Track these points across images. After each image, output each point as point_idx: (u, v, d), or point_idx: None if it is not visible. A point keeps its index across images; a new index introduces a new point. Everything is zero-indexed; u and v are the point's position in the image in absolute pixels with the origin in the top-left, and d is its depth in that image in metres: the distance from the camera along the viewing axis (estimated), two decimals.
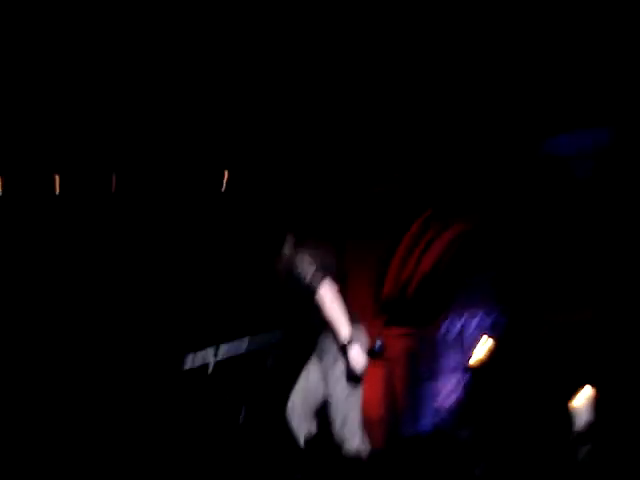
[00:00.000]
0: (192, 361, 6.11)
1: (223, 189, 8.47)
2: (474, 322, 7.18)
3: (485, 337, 6.87)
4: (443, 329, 7.32)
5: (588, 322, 6.50)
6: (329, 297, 5.13)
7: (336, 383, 5.25)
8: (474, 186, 7.45)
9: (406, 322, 7.31)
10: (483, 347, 6.67)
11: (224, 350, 6.32)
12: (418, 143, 7.83)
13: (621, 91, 7.11)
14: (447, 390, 7.18)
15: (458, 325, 7.24)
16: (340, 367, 5.19)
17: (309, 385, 5.49)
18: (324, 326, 5.20)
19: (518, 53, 7.51)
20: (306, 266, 5.20)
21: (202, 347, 6.29)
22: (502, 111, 7.48)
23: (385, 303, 7.41)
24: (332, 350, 5.24)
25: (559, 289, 6.81)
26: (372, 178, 7.82)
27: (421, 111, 7.80)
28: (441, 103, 7.77)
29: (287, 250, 5.44)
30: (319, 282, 5.14)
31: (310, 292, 5.14)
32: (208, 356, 6.19)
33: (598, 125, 7.01)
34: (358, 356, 5.09)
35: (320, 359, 5.40)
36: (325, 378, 5.32)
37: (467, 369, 6.90)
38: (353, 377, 5.13)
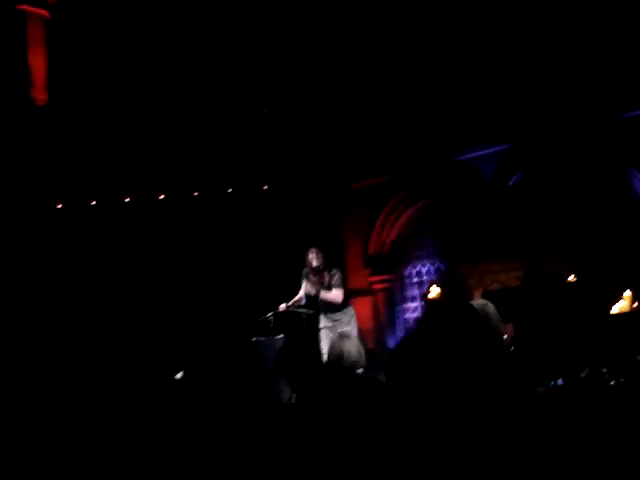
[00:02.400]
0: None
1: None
2: (425, 268, 11.25)
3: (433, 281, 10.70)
4: (406, 273, 11.43)
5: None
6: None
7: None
8: (431, 178, 11.06)
9: (384, 271, 11.42)
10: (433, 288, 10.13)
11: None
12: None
13: None
14: (410, 311, 11.31)
15: (414, 271, 11.33)
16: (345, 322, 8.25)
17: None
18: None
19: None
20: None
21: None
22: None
23: (369, 259, 11.51)
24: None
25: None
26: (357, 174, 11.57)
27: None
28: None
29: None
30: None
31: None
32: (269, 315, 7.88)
33: None
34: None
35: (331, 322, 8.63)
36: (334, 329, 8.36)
37: (423, 299, 10.80)
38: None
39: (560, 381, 6.14)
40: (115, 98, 10.70)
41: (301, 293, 8.11)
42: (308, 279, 8.03)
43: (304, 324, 8.15)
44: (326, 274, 7.89)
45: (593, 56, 9.46)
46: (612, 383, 6.02)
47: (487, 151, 10.48)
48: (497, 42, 10.28)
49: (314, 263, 7.89)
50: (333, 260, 8.28)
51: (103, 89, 10.64)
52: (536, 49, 9.93)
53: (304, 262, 8.04)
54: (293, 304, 8.03)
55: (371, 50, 11.21)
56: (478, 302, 4.42)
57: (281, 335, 8.18)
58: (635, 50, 9.14)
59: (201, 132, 11.11)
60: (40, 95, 10.01)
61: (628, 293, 6.94)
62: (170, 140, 11.05)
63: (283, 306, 7.96)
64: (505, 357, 4.19)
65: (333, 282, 7.89)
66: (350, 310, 8.02)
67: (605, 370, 6.30)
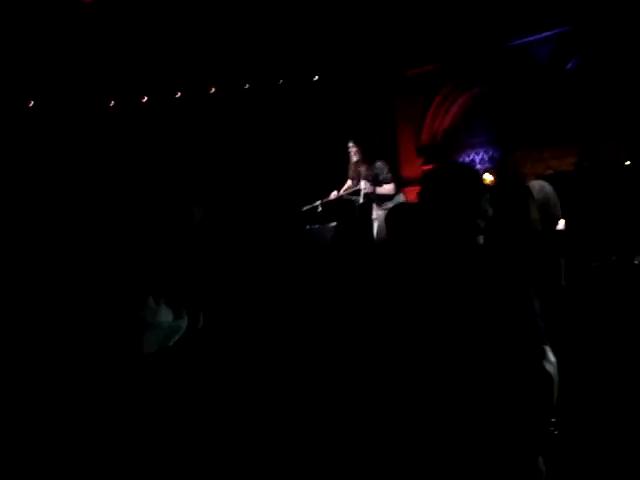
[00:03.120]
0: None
1: None
2: (479, 157, 11.13)
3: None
4: (460, 161, 11.31)
5: None
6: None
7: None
8: (484, 65, 10.85)
9: (437, 160, 11.32)
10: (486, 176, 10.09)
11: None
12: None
13: None
14: None
15: (468, 159, 11.22)
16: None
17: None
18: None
19: None
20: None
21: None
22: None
23: (422, 148, 11.42)
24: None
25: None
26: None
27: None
28: None
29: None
30: None
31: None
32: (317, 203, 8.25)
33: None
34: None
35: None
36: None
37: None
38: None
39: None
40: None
41: (349, 182, 8.18)
42: (354, 173, 8.08)
43: (357, 211, 8.24)
44: (373, 167, 7.89)
45: None
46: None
47: (543, 35, 10.17)
48: None
49: (353, 158, 7.93)
50: (380, 151, 8.24)
51: None
52: None
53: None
54: (345, 191, 8.09)
55: None
56: (537, 183, 4.39)
57: (334, 223, 8.28)
58: None
59: (251, 23, 10.85)
60: None
61: None
62: (220, 32, 10.86)
63: (335, 193, 8.04)
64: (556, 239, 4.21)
65: (382, 177, 7.91)
66: (400, 197, 8.07)
67: None
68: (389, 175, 7.93)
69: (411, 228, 3.14)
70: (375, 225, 8.10)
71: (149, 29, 10.38)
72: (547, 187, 4.32)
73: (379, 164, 7.96)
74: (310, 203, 8.25)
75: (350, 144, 7.99)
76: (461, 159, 11.34)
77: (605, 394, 3.34)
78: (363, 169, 7.99)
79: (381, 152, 8.07)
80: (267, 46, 10.96)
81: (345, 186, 8.20)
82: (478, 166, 11.06)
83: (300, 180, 10.15)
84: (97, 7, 9.96)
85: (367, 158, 7.96)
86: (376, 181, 7.93)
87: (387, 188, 7.90)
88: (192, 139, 10.72)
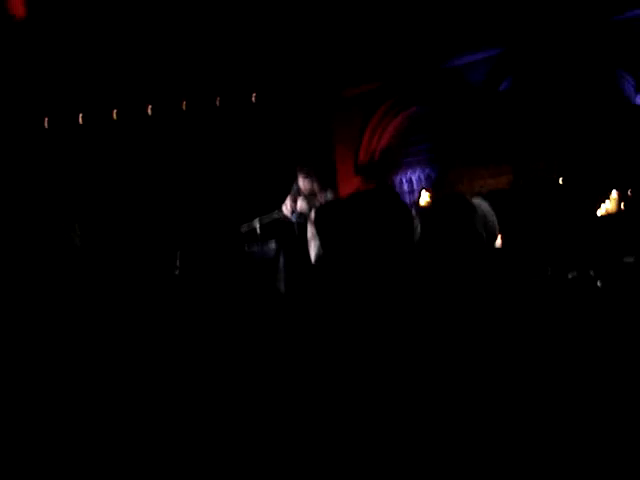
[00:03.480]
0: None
1: None
2: (415, 176, 11.30)
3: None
4: (397, 180, 11.48)
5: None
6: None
7: None
8: (421, 86, 11.03)
9: (374, 179, 11.45)
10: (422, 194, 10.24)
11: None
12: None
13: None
14: None
15: (405, 178, 11.37)
16: None
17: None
18: None
19: None
20: None
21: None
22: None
23: (360, 167, 11.54)
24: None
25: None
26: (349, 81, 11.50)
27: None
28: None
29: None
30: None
31: None
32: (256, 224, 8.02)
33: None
34: None
35: None
36: None
37: (413, 206, 10.94)
38: None
39: (547, 283, 6.40)
40: (98, 10, 10.24)
41: (289, 206, 7.98)
42: (299, 196, 7.91)
43: (296, 229, 8.20)
44: (319, 197, 7.78)
45: None
46: (599, 284, 6.29)
47: (476, 57, 10.41)
48: None
49: (306, 187, 7.74)
50: (325, 179, 8.14)
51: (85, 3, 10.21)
52: None
53: (294, 176, 7.92)
54: (285, 210, 7.97)
55: None
56: (474, 200, 4.44)
57: (273, 242, 8.25)
58: None
59: (185, 42, 10.74)
60: (18, 10, 9.77)
61: (614, 195, 6.98)
62: (156, 50, 10.71)
63: (276, 213, 7.89)
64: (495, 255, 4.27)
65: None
66: None
67: (592, 272, 6.42)
68: None
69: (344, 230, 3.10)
70: (313, 245, 8.03)
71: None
72: (483, 204, 4.36)
73: (329, 195, 7.84)
74: (248, 223, 8.12)
75: (302, 173, 7.79)
76: (398, 178, 11.49)
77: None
78: (308, 198, 7.84)
79: (323, 183, 7.90)
80: (203, 65, 10.89)
81: (286, 206, 8.04)
82: (415, 185, 11.22)
83: (236, 200, 10.09)
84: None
85: (320, 188, 7.82)
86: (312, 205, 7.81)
87: None
88: (136, 157, 10.65)
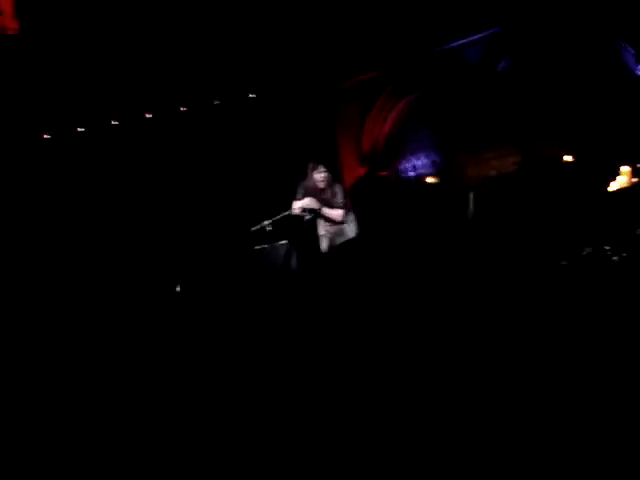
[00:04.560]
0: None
1: None
2: (419, 162, 11.23)
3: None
4: (402, 167, 11.41)
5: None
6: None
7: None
8: (418, 71, 10.97)
9: (379, 167, 11.39)
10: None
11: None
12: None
13: None
14: None
15: (410, 165, 11.31)
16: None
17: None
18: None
19: None
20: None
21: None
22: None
23: (364, 156, 11.48)
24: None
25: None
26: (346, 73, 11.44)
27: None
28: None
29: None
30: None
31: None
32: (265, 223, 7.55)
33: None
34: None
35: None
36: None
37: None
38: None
39: (564, 262, 6.35)
40: (90, 22, 10.31)
41: (299, 204, 7.91)
42: (308, 193, 7.84)
43: (305, 227, 8.12)
44: (329, 191, 7.73)
45: None
46: (615, 259, 6.25)
47: (472, 38, 10.34)
48: None
49: (321, 184, 7.68)
50: (334, 172, 8.09)
51: (78, 14, 10.25)
52: None
53: (303, 173, 7.70)
54: (297, 209, 7.84)
55: None
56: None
57: (285, 241, 8.17)
58: None
59: (185, 40, 10.77)
60: (10, 23, 9.87)
61: (626, 169, 6.91)
62: (153, 55, 10.75)
63: (288, 211, 7.77)
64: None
65: (335, 200, 7.75)
66: (350, 216, 7.91)
67: (607, 247, 6.46)
68: (342, 201, 7.74)
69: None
70: (324, 241, 7.95)
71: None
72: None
73: (337, 189, 7.77)
74: (258, 223, 8.03)
75: (321, 169, 7.72)
76: (402, 165, 11.43)
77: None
78: (320, 194, 7.78)
79: (327, 165, 7.86)
80: (204, 63, 10.87)
81: (298, 204, 7.89)
82: (420, 171, 11.16)
83: (244, 199, 10.08)
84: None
85: (331, 181, 7.76)
86: (327, 203, 7.76)
87: (334, 213, 7.68)
88: (130, 167, 10.62)
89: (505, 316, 2.76)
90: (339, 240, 7.74)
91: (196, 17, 10.70)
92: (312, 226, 8.09)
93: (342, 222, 7.82)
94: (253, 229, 7.92)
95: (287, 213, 7.79)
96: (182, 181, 10.67)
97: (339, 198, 7.59)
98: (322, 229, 7.93)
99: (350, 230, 7.82)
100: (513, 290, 2.86)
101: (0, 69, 9.70)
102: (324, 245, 7.89)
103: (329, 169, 7.59)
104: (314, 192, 7.71)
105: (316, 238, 8.03)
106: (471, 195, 4.13)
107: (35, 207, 9.80)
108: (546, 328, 3.22)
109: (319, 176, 7.55)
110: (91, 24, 10.34)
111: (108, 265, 9.67)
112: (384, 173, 11.33)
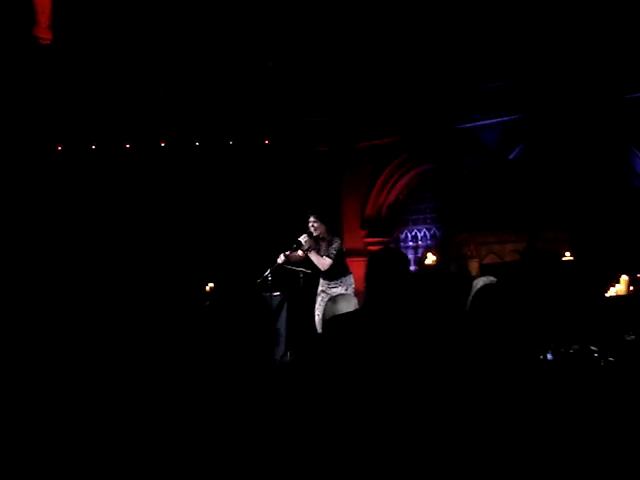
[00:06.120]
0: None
1: None
2: (421, 233, 11.35)
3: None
4: (402, 236, 11.53)
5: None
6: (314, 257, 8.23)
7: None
8: (434, 144, 11.11)
9: (380, 233, 11.51)
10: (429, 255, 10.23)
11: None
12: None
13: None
14: None
15: (410, 234, 11.43)
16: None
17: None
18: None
19: None
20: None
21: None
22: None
23: (366, 220, 11.59)
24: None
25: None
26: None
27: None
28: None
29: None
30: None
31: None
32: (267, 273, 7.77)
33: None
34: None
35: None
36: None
37: (417, 264, 10.95)
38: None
39: (549, 355, 6.35)
40: (121, 40, 10.55)
41: (282, 257, 7.92)
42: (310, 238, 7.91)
43: (301, 282, 8.16)
44: (325, 243, 7.78)
45: (603, 35, 9.44)
46: (602, 363, 6.31)
47: (491, 121, 10.49)
48: (507, 12, 10.23)
49: (314, 232, 7.77)
50: (334, 227, 8.17)
51: (109, 30, 10.48)
52: (546, 22, 9.88)
53: (304, 220, 7.88)
54: (291, 254, 7.85)
55: (379, 11, 11.14)
56: (486, 279, 4.45)
57: (278, 293, 8.21)
58: None
59: (205, 81, 11.03)
60: (44, 34, 9.91)
61: (625, 277, 7.02)
62: (174, 86, 10.97)
63: (282, 257, 7.80)
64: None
65: (328, 250, 7.80)
66: (349, 279, 7.94)
67: (594, 348, 6.48)
68: (333, 253, 7.77)
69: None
70: (319, 298, 7.93)
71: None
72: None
73: (333, 242, 7.82)
74: (260, 271, 8.05)
75: (312, 218, 7.82)
76: (403, 234, 11.54)
77: None
78: (315, 243, 7.84)
79: (332, 230, 7.92)
80: (220, 106, 11.05)
81: (282, 257, 7.89)
82: (420, 242, 11.26)
83: (252, 242, 10.23)
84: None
85: (328, 234, 7.82)
86: (319, 252, 7.79)
87: (321, 261, 7.73)
88: (135, 195, 10.73)
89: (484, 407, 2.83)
90: (335, 307, 7.75)
91: (228, 59, 10.99)
92: (308, 281, 8.13)
93: (339, 276, 7.81)
94: (259, 280, 7.92)
95: (282, 260, 7.82)
96: (185, 215, 10.79)
97: (332, 250, 7.67)
98: (320, 286, 7.97)
99: (344, 290, 7.79)
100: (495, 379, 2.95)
101: (29, 76, 9.88)
102: (318, 304, 7.89)
103: (323, 220, 7.69)
104: (312, 243, 7.81)
105: (312, 292, 8.02)
106: (474, 284, 4.18)
107: (35, 208, 9.95)
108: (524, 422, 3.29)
109: (309, 224, 7.66)
110: (120, 50, 10.62)
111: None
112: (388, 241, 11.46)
